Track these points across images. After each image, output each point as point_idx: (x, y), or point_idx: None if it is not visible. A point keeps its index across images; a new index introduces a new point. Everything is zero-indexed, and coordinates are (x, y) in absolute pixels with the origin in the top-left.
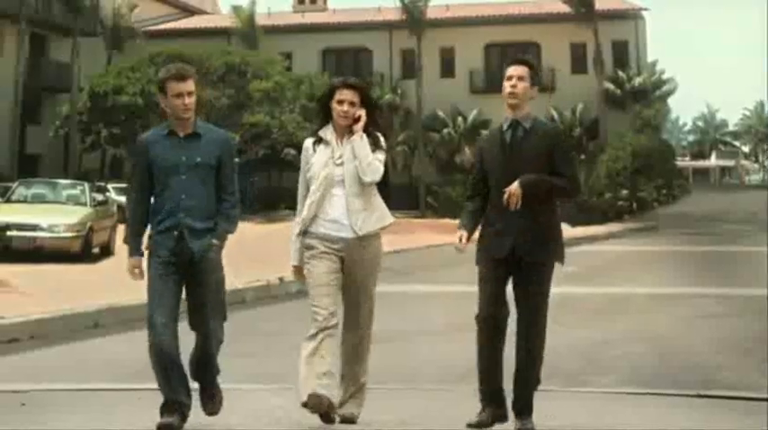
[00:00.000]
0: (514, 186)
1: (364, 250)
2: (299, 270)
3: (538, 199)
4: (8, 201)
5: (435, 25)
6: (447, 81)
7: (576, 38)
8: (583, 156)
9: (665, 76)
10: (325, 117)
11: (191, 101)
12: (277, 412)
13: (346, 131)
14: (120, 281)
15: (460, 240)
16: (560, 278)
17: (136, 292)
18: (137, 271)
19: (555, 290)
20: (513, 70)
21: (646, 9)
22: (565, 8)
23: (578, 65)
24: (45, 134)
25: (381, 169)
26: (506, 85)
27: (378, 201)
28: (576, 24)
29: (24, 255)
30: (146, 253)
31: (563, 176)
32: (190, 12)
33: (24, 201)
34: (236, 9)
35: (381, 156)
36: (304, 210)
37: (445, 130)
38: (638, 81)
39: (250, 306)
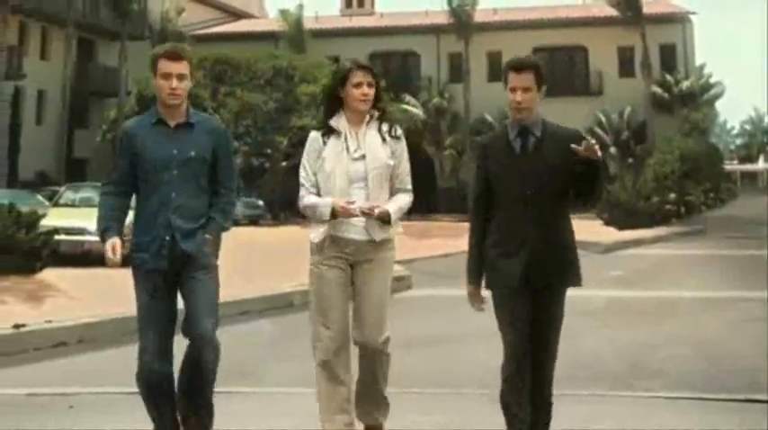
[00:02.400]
0: (595, 147)
1: (378, 256)
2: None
3: (553, 210)
4: (56, 205)
5: (483, 29)
6: (494, 85)
7: (623, 41)
8: (630, 160)
9: (712, 80)
10: (335, 107)
11: (180, 85)
12: None
13: (362, 119)
14: None
15: (473, 297)
16: (607, 282)
17: None
18: (112, 252)
19: (602, 293)
20: (518, 80)
21: (693, 13)
22: (612, 12)
23: (626, 68)
24: (93, 138)
25: (408, 178)
26: (511, 98)
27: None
28: (623, 28)
29: (72, 258)
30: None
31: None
32: (237, 16)
33: (72, 205)
34: (283, 13)
35: (403, 139)
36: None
37: None
38: (685, 85)
39: (298, 309)
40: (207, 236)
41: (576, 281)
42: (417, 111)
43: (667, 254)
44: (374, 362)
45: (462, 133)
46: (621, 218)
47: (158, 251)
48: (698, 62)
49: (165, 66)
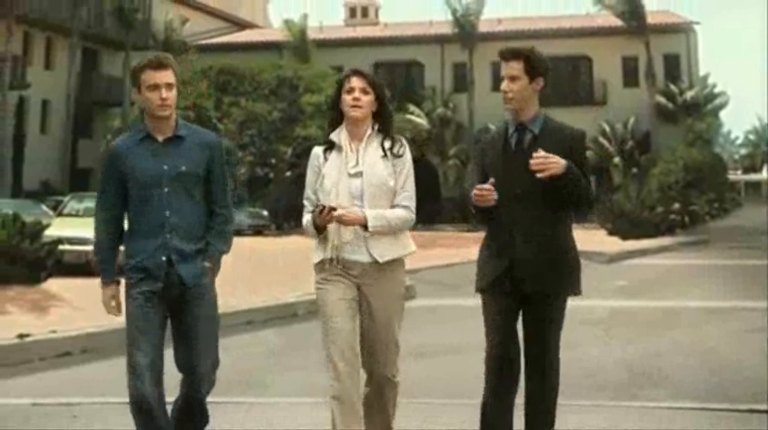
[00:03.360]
0: (556, 159)
1: (384, 279)
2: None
3: (547, 210)
4: (60, 214)
5: (487, 39)
6: (499, 95)
7: (627, 51)
8: (635, 170)
9: (716, 90)
10: (337, 119)
11: (170, 95)
12: (328, 425)
13: (360, 131)
14: None
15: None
16: (611, 292)
17: None
18: (114, 303)
19: (606, 303)
20: (505, 69)
21: (697, 23)
22: (616, 22)
23: (630, 78)
24: (97, 148)
25: (412, 196)
26: (502, 87)
27: None
28: (627, 38)
29: (76, 268)
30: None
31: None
32: (241, 26)
33: (76, 214)
34: (287, 23)
35: (408, 158)
36: (332, 232)
37: None
38: (689, 95)
39: (303, 319)
40: (206, 264)
41: (573, 289)
42: (421, 121)
43: (671, 264)
44: (380, 391)
45: (466, 143)
46: (625, 227)
47: (154, 273)
48: (702, 72)
49: (151, 77)
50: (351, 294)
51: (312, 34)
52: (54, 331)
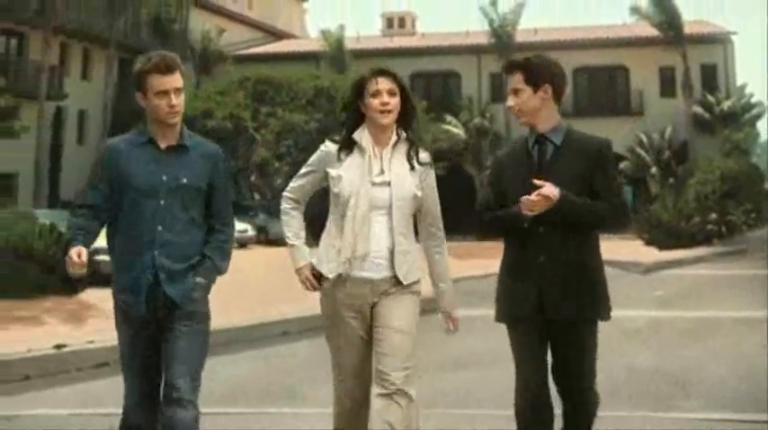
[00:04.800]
0: (550, 191)
1: (402, 296)
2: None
3: (572, 230)
4: None
5: (524, 49)
6: None
7: (664, 61)
8: (672, 180)
9: (753, 100)
10: (357, 122)
11: (179, 101)
12: None
13: (385, 136)
14: None
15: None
16: (649, 302)
17: (223, 316)
18: (79, 256)
19: (643, 313)
20: (509, 83)
21: (734, 33)
22: (653, 32)
23: (667, 88)
24: None
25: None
26: (507, 103)
27: (413, 237)
28: (664, 48)
29: None
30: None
31: (605, 202)
32: (278, 36)
33: None
34: (324, 33)
35: (431, 168)
36: (347, 244)
37: None
38: (727, 105)
39: None
40: (198, 279)
41: (603, 314)
42: (458, 131)
43: (708, 274)
44: (397, 409)
45: None
46: (662, 238)
47: (139, 294)
48: (739, 82)
49: (159, 82)
50: (363, 325)
51: (349, 44)
52: (91, 341)
